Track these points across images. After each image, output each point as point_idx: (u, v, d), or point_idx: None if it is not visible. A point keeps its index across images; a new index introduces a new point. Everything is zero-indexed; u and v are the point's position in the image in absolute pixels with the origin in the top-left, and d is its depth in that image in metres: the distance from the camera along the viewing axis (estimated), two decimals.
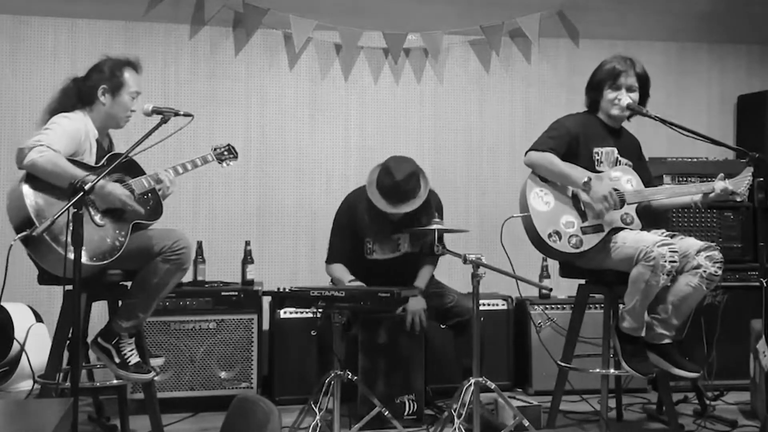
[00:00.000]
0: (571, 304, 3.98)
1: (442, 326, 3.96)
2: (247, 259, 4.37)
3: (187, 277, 3.85)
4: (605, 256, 3.43)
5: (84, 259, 2.81)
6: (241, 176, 4.72)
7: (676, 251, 3.23)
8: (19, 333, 3.89)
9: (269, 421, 1.74)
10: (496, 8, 4.92)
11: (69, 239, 2.63)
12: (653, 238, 3.29)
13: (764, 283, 3.26)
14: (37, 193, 3.00)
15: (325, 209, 4.47)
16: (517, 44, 5.08)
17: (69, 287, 2.73)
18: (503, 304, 4.45)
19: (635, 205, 3.51)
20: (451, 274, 4.35)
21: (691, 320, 3.92)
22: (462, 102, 5.05)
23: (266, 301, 4.32)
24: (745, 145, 4.16)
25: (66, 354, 3.25)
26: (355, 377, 3.46)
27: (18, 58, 4.55)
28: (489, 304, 4.40)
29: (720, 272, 3.28)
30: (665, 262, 3.18)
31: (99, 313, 3.62)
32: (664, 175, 4.45)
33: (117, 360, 3.23)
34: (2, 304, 3.83)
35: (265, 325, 4.29)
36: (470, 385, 3.20)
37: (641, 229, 3.46)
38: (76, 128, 3.18)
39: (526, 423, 3.31)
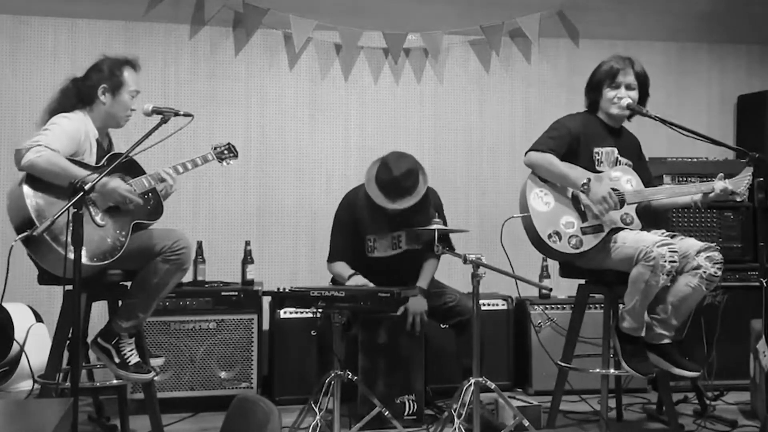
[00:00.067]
0: (571, 304, 3.99)
1: (443, 326, 3.96)
2: (247, 259, 4.37)
3: (187, 277, 3.85)
4: (605, 256, 3.43)
5: (84, 259, 2.81)
6: (241, 176, 4.72)
7: (675, 251, 3.23)
8: (19, 333, 3.88)
9: (269, 421, 1.73)
10: (496, 8, 4.92)
11: (69, 239, 2.63)
12: (653, 238, 3.28)
13: (764, 283, 3.27)
14: (38, 194, 3.00)
15: (325, 209, 4.46)
16: (517, 44, 5.08)
17: (69, 287, 2.73)
18: (503, 304, 4.45)
19: (635, 205, 3.50)
20: (451, 274, 4.35)
21: (691, 320, 3.93)
22: (462, 102, 5.05)
23: (266, 301, 4.32)
24: (745, 145, 4.15)
25: (66, 354, 3.25)
26: (355, 377, 3.46)
27: (18, 58, 4.55)
28: (489, 304, 4.40)
29: (720, 273, 3.28)
30: (665, 262, 3.18)
31: (99, 313, 3.63)
32: (664, 175, 4.45)
33: (117, 360, 3.23)
34: (2, 304, 3.83)
35: (265, 325, 4.29)
36: (470, 385, 3.20)
37: (641, 229, 3.45)
38: (75, 128, 3.18)
39: (526, 423, 3.31)
